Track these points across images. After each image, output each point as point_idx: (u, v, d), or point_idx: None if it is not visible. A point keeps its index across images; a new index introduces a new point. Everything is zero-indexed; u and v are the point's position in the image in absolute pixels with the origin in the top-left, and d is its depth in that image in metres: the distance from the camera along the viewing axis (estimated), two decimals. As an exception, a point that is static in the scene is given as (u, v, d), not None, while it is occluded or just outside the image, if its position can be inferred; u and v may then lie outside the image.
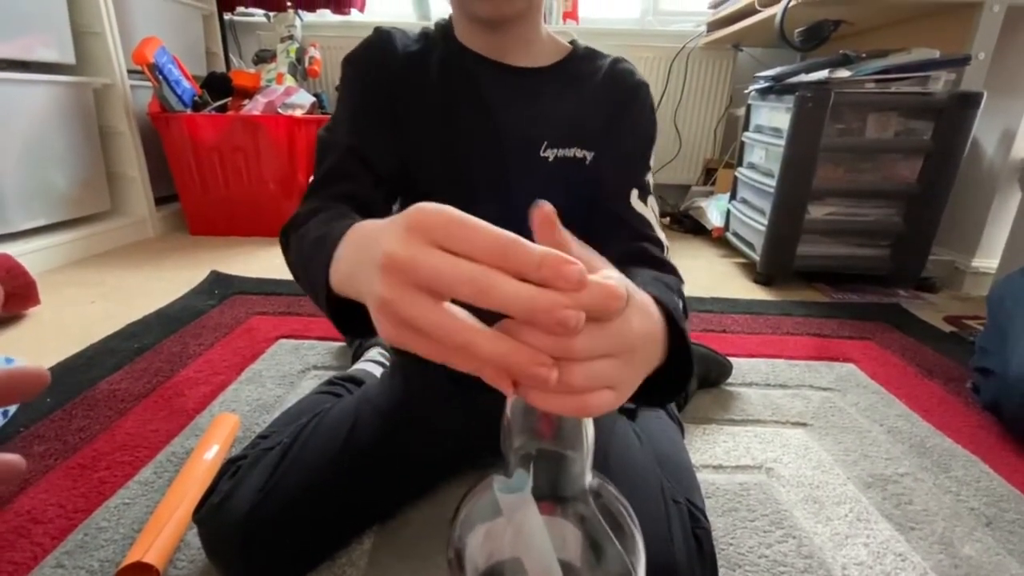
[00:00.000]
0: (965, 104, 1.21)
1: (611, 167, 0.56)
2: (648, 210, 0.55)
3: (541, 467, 0.26)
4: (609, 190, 0.55)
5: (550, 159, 0.54)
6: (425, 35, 0.56)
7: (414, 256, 0.20)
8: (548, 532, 0.25)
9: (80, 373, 0.87)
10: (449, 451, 0.60)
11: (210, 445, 0.65)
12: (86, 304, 1.18)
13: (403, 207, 0.50)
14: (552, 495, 0.26)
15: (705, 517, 0.50)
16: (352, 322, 0.33)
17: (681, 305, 0.40)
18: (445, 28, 0.57)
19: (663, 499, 0.48)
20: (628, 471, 0.50)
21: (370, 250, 0.23)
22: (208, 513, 0.48)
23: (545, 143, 0.54)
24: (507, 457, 0.26)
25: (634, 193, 0.55)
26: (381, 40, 0.54)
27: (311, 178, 0.52)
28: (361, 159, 0.51)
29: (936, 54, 1.21)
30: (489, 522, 0.27)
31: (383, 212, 0.53)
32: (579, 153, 0.55)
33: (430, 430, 0.57)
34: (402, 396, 0.58)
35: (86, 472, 0.65)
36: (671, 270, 0.49)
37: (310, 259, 0.36)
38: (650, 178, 0.57)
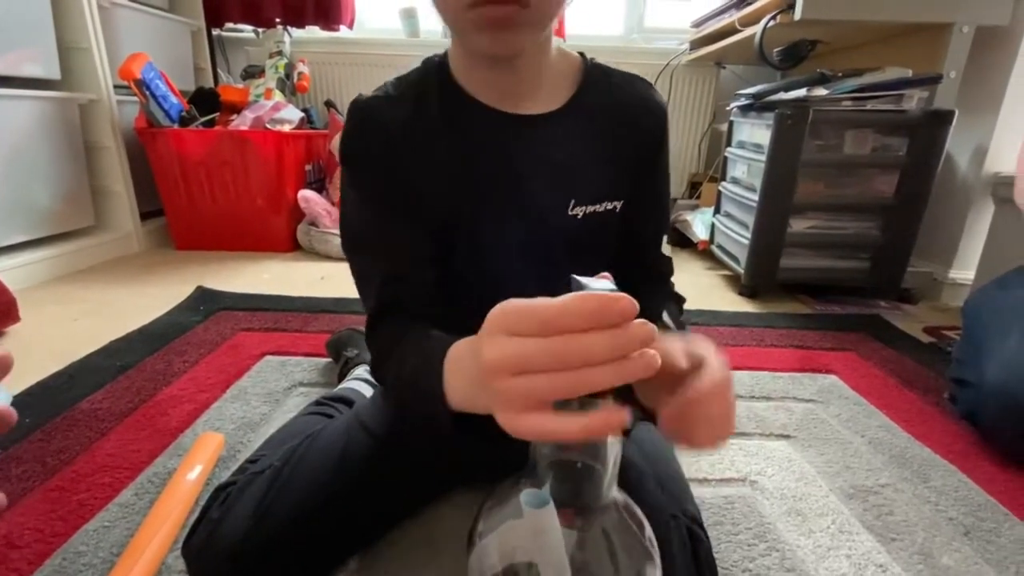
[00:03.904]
0: (938, 121, 1.25)
1: (644, 214, 0.54)
2: (668, 248, 0.57)
3: (567, 477, 0.27)
4: (646, 239, 0.55)
5: (579, 216, 0.50)
6: (417, 83, 0.49)
7: (501, 351, 0.26)
8: (566, 540, 0.26)
9: (60, 392, 0.85)
10: (443, 473, 0.60)
11: (193, 465, 0.65)
12: (68, 321, 1.16)
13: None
14: (575, 504, 0.27)
15: (701, 527, 0.50)
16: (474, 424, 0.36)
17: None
18: (442, 72, 0.49)
19: (661, 514, 0.48)
20: (626, 485, 0.50)
21: (471, 371, 0.31)
22: (199, 543, 0.47)
23: (573, 201, 0.50)
24: (536, 465, 0.27)
25: (664, 239, 0.56)
26: (365, 120, 0.48)
27: (366, 306, 0.49)
28: (396, 279, 0.48)
29: (909, 73, 1.25)
30: (509, 524, 0.28)
31: (444, 277, 0.50)
32: (609, 205, 0.51)
33: (424, 452, 0.57)
34: (394, 419, 0.58)
35: (65, 495, 0.64)
36: (680, 300, 0.56)
37: (417, 397, 0.38)
38: None
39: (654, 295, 0.52)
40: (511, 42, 0.41)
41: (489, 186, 0.49)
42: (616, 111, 0.51)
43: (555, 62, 0.50)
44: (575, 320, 0.24)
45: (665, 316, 0.50)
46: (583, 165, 0.50)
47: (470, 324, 0.35)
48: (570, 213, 0.50)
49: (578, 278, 0.27)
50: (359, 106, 0.48)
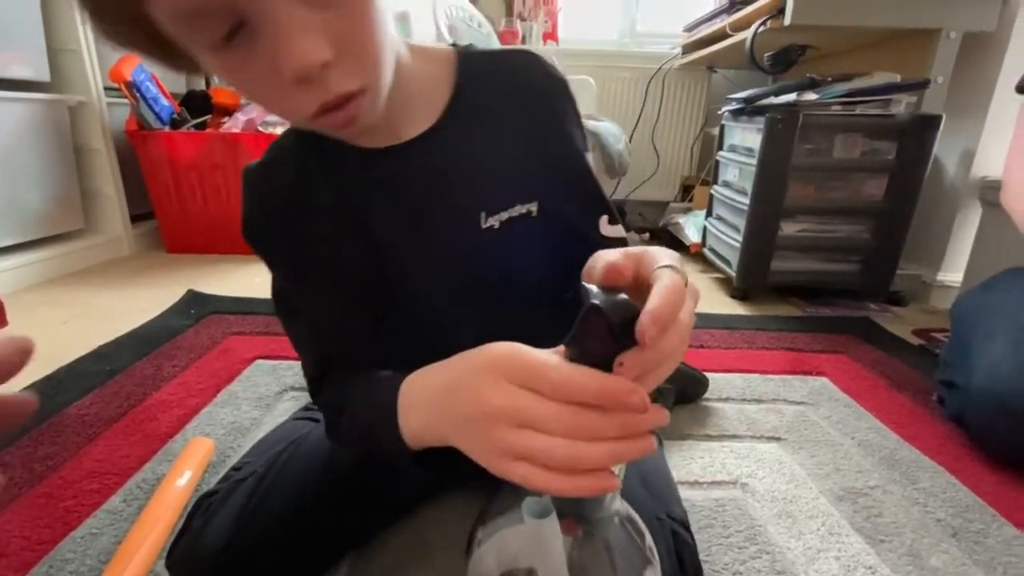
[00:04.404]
0: (926, 126, 1.26)
1: (567, 207, 0.48)
2: (620, 228, 0.50)
3: None
4: (578, 234, 0.48)
5: (496, 227, 0.46)
6: (295, 145, 0.46)
7: (511, 401, 0.26)
8: (567, 550, 0.26)
9: (48, 397, 0.84)
10: (431, 477, 0.59)
11: (182, 471, 0.64)
12: (57, 325, 1.15)
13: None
14: (577, 514, 0.27)
15: (688, 529, 0.50)
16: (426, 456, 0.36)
17: None
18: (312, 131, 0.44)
19: (646, 517, 0.48)
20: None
21: (458, 404, 0.30)
22: (181, 554, 0.47)
23: (483, 213, 0.45)
24: None
25: (603, 220, 0.49)
26: (257, 193, 0.46)
27: (305, 370, 0.47)
28: (330, 336, 0.46)
29: (897, 78, 1.26)
30: (509, 531, 0.28)
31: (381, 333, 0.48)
32: (522, 209, 0.46)
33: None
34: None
35: (52, 501, 0.63)
36: None
37: (379, 449, 0.38)
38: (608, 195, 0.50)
39: None
40: (361, 127, 0.37)
41: (390, 226, 0.46)
42: (504, 103, 0.45)
43: (421, 75, 0.44)
44: (588, 397, 0.25)
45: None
46: (483, 172, 0.45)
47: (414, 364, 0.36)
48: (484, 226, 0.45)
49: (588, 286, 0.25)
50: (247, 180, 0.47)
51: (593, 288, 0.25)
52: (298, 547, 0.50)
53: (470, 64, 0.46)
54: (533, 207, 0.46)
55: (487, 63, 0.47)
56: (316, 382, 0.47)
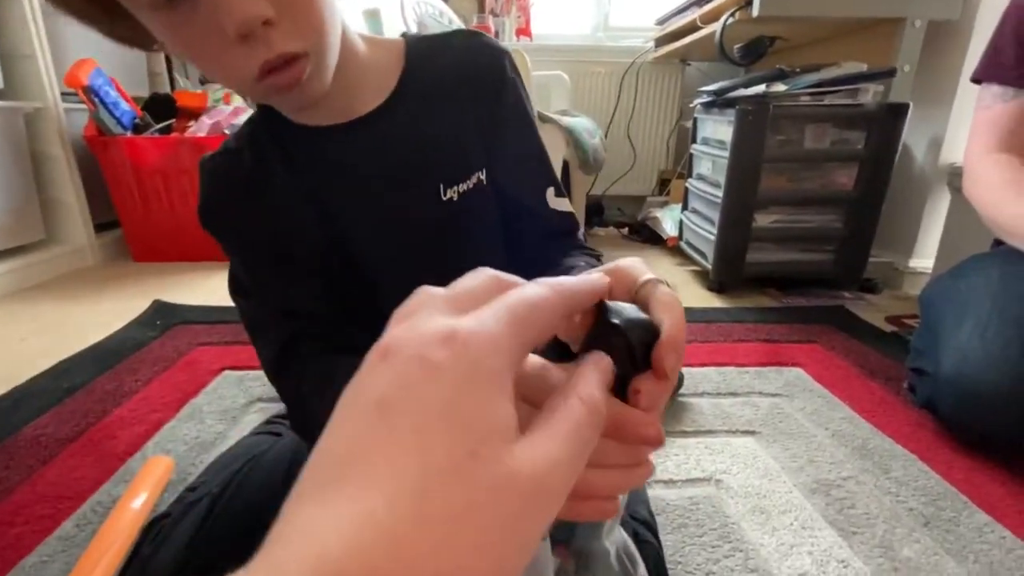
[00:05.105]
0: (893, 114, 1.27)
1: (511, 175, 0.50)
2: (566, 202, 0.53)
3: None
4: (524, 203, 0.50)
5: (455, 199, 0.48)
6: (250, 133, 0.48)
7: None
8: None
9: (2, 418, 0.81)
10: None
11: (138, 492, 0.62)
12: (15, 342, 1.11)
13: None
14: (571, 543, 0.26)
15: (651, 529, 0.49)
16: None
17: None
18: (267, 114, 0.47)
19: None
20: None
21: None
22: None
23: (442, 185, 0.47)
24: None
25: (550, 192, 0.51)
26: (212, 180, 0.47)
27: (263, 356, 0.48)
28: (294, 314, 0.46)
29: (864, 67, 1.27)
30: None
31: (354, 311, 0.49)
32: (476, 179, 0.48)
33: None
34: None
35: (2, 528, 0.60)
36: (596, 256, 0.51)
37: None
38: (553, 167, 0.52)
39: (564, 257, 0.49)
40: (307, 96, 0.39)
41: (347, 200, 0.47)
42: (449, 77, 0.48)
43: (372, 59, 0.46)
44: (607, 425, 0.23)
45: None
46: (436, 145, 0.47)
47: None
48: (445, 198, 0.47)
49: (608, 303, 0.23)
50: (204, 169, 0.48)
51: (612, 305, 0.23)
52: None
53: (417, 48, 0.49)
54: (482, 174, 0.49)
55: (432, 45, 0.49)
56: (274, 366, 0.47)
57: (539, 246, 0.51)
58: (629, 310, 0.23)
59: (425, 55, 0.48)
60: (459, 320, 0.15)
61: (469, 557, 0.13)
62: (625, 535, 0.29)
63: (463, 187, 0.48)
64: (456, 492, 0.13)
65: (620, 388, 0.22)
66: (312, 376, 0.44)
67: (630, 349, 0.21)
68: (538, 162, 0.51)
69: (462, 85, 0.48)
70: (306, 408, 0.44)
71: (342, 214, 0.47)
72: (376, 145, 0.46)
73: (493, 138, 0.49)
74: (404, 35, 0.50)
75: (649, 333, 0.22)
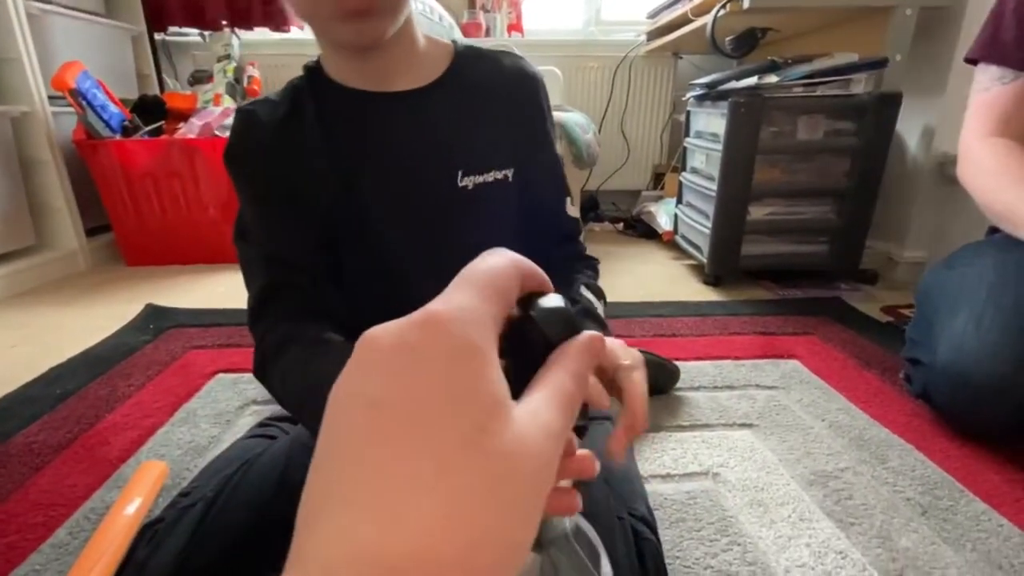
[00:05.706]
0: (886, 104, 1.27)
1: (540, 182, 0.57)
2: (576, 210, 0.60)
3: None
4: (547, 207, 0.58)
5: (469, 187, 0.51)
6: (293, 87, 0.51)
7: None
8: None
9: (-7, 426, 0.80)
10: None
11: (132, 498, 0.61)
12: (6, 348, 1.10)
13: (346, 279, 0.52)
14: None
15: (650, 526, 0.49)
16: None
17: (602, 305, 0.53)
18: (313, 71, 0.51)
19: (607, 516, 0.47)
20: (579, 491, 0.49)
21: None
22: None
23: (460, 172, 0.50)
24: None
25: (568, 201, 0.59)
26: (245, 122, 0.50)
27: (251, 292, 0.50)
28: (284, 263, 0.49)
29: (855, 57, 1.27)
30: None
31: (338, 282, 0.52)
32: (499, 175, 0.52)
33: None
34: None
35: (-7, 538, 0.59)
36: (594, 264, 0.59)
37: (299, 407, 0.41)
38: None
39: (568, 263, 0.57)
40: (371, 30, 0.43)
41: (370, 164, 0.50)
42: (490, 84, 0.53)
43: (425, 48, 0.51)
44: None
45: (584, 291, 0.53)
46: (465, 135, 0.51)
47: (368, 316, 0.34)
48: (460, 184, 0.51)
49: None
50: (241, 111, 0.51)
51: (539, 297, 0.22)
52: (252, 574, 0.47)
53: (466, 52, 0.54)
54: (510, 173, 0.53)
55: (481, 54, 0.55)
56: (259, 302, 0.49)
57: (556, 243, 0.59)
58: (552, 299, 0.22)
59: (472, 60, 0.53)
60: (431, 304, 0.15)
61: (502, 529, 0.13)
62: (584, 524, 0.29)
63: (481, 179, 0.51)
64: (476, 469, 0.13)
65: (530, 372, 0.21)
66: (286, 343, 0.46)
67: (547, 345, 0.21)
68: (560, 177, 0.58)
69: (501, 93, 0.53)
70: (269, 373, 0.47)
71: (361, 174, 0.50)
72: (408, 119, 0.50)
73: (525, 145, 0.54)
74: (454, 42, 0.55)
75: (563, 324, 0.21)
